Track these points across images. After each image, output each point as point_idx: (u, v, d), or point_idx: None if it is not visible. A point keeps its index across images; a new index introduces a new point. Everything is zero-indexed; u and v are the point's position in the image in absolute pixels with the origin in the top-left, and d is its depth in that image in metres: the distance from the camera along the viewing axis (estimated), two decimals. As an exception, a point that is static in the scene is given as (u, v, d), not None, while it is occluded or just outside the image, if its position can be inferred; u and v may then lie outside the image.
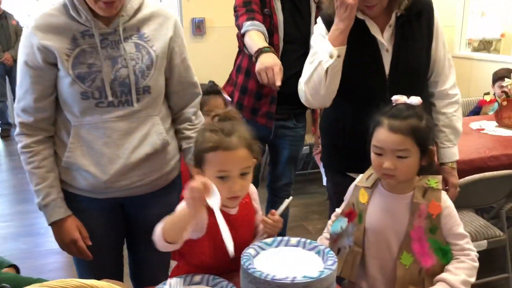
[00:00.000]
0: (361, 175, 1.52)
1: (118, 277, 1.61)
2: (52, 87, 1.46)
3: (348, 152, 1.76)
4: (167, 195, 1.59)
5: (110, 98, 1.44)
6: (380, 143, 1.35)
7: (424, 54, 1.72)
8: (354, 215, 1.47)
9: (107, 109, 1.45)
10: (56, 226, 1.49)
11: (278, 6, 2.21)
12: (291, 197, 1.49)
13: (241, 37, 2.20)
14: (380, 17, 1.68)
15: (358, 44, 1.63)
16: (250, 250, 1.21)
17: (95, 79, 1.43)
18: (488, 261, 2.75)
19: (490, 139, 2.75)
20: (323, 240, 1.56)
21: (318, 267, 1.14)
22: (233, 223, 1.28)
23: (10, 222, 3.59)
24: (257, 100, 2.29)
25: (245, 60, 2.35)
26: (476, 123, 3.10)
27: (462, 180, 2.07)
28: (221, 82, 4.51)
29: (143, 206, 1.55)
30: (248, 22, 2.17)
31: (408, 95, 1.43)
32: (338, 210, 1.57)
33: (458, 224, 1.38)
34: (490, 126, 3.03)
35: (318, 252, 1.22)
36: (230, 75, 2.48)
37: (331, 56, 1.60)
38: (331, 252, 1.20)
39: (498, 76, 3.51)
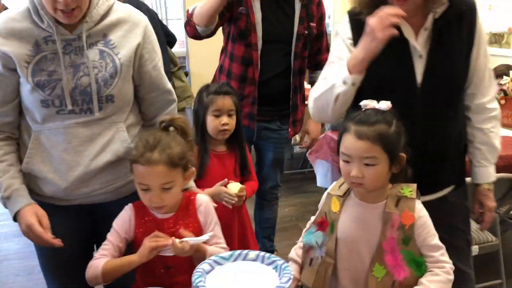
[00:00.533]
0: (334, 183, 1.46)
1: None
2: (14, 92, 1.43)
3: None
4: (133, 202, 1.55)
5: (70, 107, 1.40)
6: (347, 150, 1.29)
7: (463, 62, 1.53)
8: (326, 224, 1.41)
9: (69, 115, 1.41)
10: (19, 216, 1.43)
11: (256, 4, 2.16)
12: (212, 233, 1.41)
13: (190, 17, 2.15)
14: (415, 18, 1.49)
15: (386, 48, 1.43)
16: (204, 265, 1.17)
17: (55, 87, 1.39)
18: (482, 266, 2.69)
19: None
20: (297, 250, 1.51)
21: (272, 284, 1.09)
22: (165, 227, 1.37)
23: (4, 222, 3.60)
24: (239, 101, 2.24)
25: (226, 61, 2.30)
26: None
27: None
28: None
29: (108, 213, 1.51)
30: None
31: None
32: (313, 218, 1.51)
33: (432, 235, 1.32)
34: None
35: (275, 268, 1.17)
36: (214, 75, 2.44)
37: (344, 83, 1.45)
38: (289, 268, 1.15)
39: (497, 73, 3.39)
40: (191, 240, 1.29)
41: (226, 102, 1.89)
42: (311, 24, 2.28)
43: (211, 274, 1.16)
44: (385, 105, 1.31)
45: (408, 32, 1.50)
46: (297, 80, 2.33)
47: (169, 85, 1.61)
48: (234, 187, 1.87)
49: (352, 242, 1.36)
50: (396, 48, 1.47)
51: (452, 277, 1.30)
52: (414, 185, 1.34)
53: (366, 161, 1.26)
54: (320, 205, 1.47)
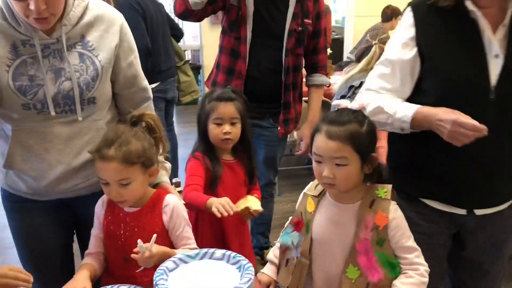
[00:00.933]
0: (311, 183, 1.43)
1: (69, 275, 1.59)
2: None
3: (432, 175, 1.46)
4: None
5: (53, 113, 1.39)
6: (318, 150, 1.27)
7: None
8: (302, 224, 1.39)
9: (50, 115, 1.41)
10: None
11: None
12: (154, 236, 1.32)
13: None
14: (492, 11, 1.33)
15: (456, 44, 1.31)
16: (168, 263, 1.17)
17: (38, 92, 1.38)
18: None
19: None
20: (275, 251, 1.49)
21: (232, 284, 1.08)
22: (128, 221, 1.40)
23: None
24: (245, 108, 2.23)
25: (217, 53, 2.29)
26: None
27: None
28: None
29: (89, 205, 1.52)
30: None
31: None
32: (291, 218, 1.49)
33: (407, 236, 1.29)
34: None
35: (239, 267, 1.15)
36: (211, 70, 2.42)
37: (402, 130, 1.39)
38: (251, 268, 1.13)
39: None
40: (139, 245, 1.24)
41: (228, 109, 1.75)
42: (305, 20, 2.19)
43: (175, 272, 1.16)
44: (357, 104, 1.28)
45: (484, 27, 1.33)
46: (290, 78, 2.25)
47: (145, 83, 1.60)
48: (255, 204, 1.73)
49: (326, 243, 1.33)
50: (467, 45, 1.34)
51: (426, 279, 1.27)
52: (389, 186, 1.31)
53: (337, 161, 1.24)
54: (297, 205, 1.45)
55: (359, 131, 1.25)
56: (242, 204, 1.68)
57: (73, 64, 1.40)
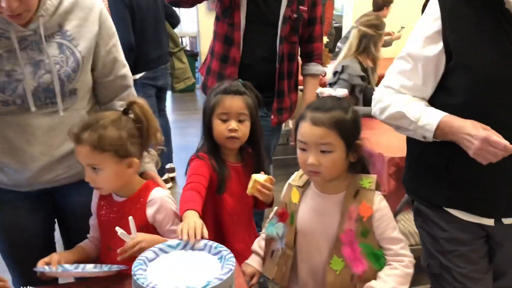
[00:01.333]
0: (295, 173, 1.42)
1: None
2: None
3: (454, 184, 1.35)
4: None
5: (33, 109, 1.36)
6: (303, 137, 1.25)
7: None
8: (286, 215, 1.38)
9: (30, 110, 1.37)
10: None
11: None
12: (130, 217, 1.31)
13: None
14: None
15: (489, 37, 1.20)
16: (148, 253, 1.15)
17: (17, 88, 1.33)
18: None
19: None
20: (260, 242, 1.49)
21: (212, 275, 1.06)
22: (115, 210, 1.39)
23: None
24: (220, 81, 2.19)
25: (212, 39, 2.25)
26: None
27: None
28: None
29: (70, 194, 1.50)
30: None
31: None
32: (275, 209, 1.48)
33: (392, 227, 1.28)
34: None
35: (220, 258, 1.14)
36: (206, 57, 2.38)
37: (424, 138, 1.30)
38: (232, 259, 1.12)
39: None
40: (119, 233, 1.24)
41: (236, 103, 1.54)
42: (301, 7, 2.14)
43: (154, 262, 1.14)
44: (341, 92, 1.27)
45: None
46: (284, 66, 2.20)
47: (125, 70, 1.55)
48: (260, 176, 1.50)
49: (310, 234, 1.32)
50: (502, 39, 1.21)
51: (411, 270, 1.26)
52: (374, 176, 1.30)
53: (322, 147, 1.22)
54: (281, 196, 1.44)
55: (344, 118, 1.23)
56: (250, 187, 1.47)
57: (52, 56, 1.34)
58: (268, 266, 1.42)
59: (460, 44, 1.25)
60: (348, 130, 1.24)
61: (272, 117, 2.28)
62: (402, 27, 4.77)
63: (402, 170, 2.14)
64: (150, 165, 1.53)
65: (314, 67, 2.34)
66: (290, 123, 3.34)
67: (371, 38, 2.86)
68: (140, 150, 1.38)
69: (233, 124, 1.54)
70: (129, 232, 1.24)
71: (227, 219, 1.59)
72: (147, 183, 1.42)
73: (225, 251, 1.15)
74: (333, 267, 1.28)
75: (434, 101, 1.34)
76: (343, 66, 2.85)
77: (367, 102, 2.84)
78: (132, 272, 1.07)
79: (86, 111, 1.48)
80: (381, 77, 3.16)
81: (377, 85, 3.07)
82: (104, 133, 1.28)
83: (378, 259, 1.27)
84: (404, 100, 1.34)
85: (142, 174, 1.51)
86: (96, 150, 1.27)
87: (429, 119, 1.26)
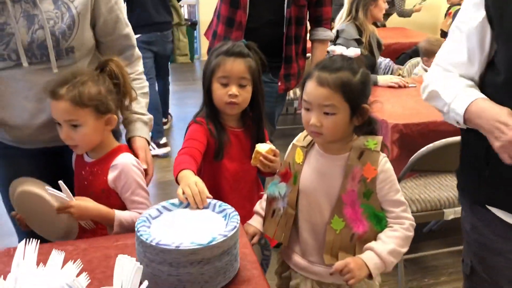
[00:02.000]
0: (300, 134, 1.39)
1: None
2: None
3: (494, 180, 1.20)
4: None
5: (26, 64, 1.32)
6: (308, 97, 1.22)
7: None
8: (290, 175, 1.36)
9: (28, 65, 1.34)
10: None
11: None
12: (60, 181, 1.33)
13: None
14: None
15: None
16: (151, 211, 1.14)
17: (9, 42, 1.29)
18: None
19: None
20: (262, 203, 1.48)
21: (217, 232, 1.05)
22: (85, 170, 1.38)
23: None
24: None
25: (218, 2, 2.20)
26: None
27: (444, 140, 1.93)
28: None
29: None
30: None
31: None
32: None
33: (395, 190, 1.26)
34: None
35: (225, 216, 1.12)
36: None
37: (457, 122, 1.20)
38: (237, 216, 1.10)
39: None
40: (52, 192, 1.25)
41: (237, 67, 1.47)
42: None
43: (158, 219, 1.12)
44: (353, 52, 1.22)
45: None
46: (292, 30, 2.14)
47: (127, 29, 1.51)
48: (263, 146, 1.44)
49: (313, 194, 1.31)
50: None
51: (411, 233, 1.25)
52: (380, 138, 1.28)
53: (325, 109, 1.19)
54: (285, 156, 1.42)
55: (351, 80, 1.19)
56: (253, 158, 1.41)
57: (46, 11, 1.31)
58: (269, 226, 1.41)
59: (501, 10, 1.10)
60: (354, 93, 1.19)
61: (279, 83, 2.22)
62: (424, 0, 4.69)
63: (405, 137, 2.15)
64: (141, 131, 1.49)
65: (323, 32, 2.29)
66: (291, 93, 3.29)
67: (360, 1, 2.82)
68: (117, 107, 1.36)
69: (233, 89, 1.47)
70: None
71: (226, 185, 1.56)
72: (118, 147, 1.40)
73: (229, 209, 1.14)
74: (333, 226, 1.27)
75: (484, 81, 1.20)
76: (337, 31, 2.81)
77: (367, 68, 2.80)
78: (136, 229, 1.05)
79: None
80: (386, 46, 3.13)
81: (381, 52, 3.04)
82: (83, 88, 1.26)
83: (379, 221, 1.25)
84: (445, 79, 1.21)
85: (131, 140, 1.48)
86: (75, 105, 1.25)
87: (461, 101, 1.13)
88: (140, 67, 1.59)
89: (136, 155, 1.45)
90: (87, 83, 1.28)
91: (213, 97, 1.51)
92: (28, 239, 0.94)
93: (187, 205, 1.17)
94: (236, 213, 1.12)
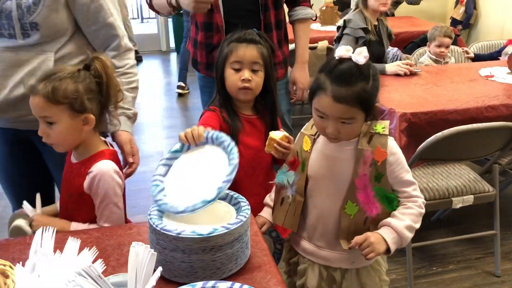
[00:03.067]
0: (307, 123, 1.40)
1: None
2: None
3: None
4: None
5: None
6: (323, 110, 1.21)
7: None
8: (297, 163, 1.38)
9: None
10: None
11: None
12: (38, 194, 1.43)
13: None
14: None
15: None
16: (159, 169, 1.19)
17: None
18: (476, 217, 2.65)
19: (495, 87, 2.52)
20: (271, 194, 1.50)
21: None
22: (71, 169, 1.37)
23: None
24: (209, 53, 2.01)
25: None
26: (486, 69, 2.84)
27: (453, 129, 1.93)
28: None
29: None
30: None
31: None
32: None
33: (405, 171, 1.29)
34: (501, 73, 2.76)
35: (223, 148, 1.20)
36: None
37: None
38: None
39: None
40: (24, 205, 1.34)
41: (250, 52, 1.49)
42: None
43: (169, 176, 1.18)
44: (362, 57, 1.18)
45: None
46: (270, 16, 1.98)
47: (112, 19, 1.52)
48: (276, 133, 1.44)
49: (322, 180, 1.33)
50: None
51: (423, 210, 1.29)
52: (387, 122, 1.30)
53: (343, 120, 1.21)
54: (293, 145, 1.43)
55: (366, 89, 1.18)
56: (266, 145, 1.42)
57: None
58: (277, 214, 1.43)
59: None
60: (370, 99, 1.20)
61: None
62: None
63: (414, 126, 2.15)
64: (124, 126, 1.51)
65: (303, 11, 2.10)
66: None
67: None
68: (99, 107, 1.32)
69: (246, 73, 1.49)
70: None
71: (241, 172, 1.55)
72: (102, 152, 1.35)
73: (226, 141, 1.21)
74: (347, 212, 1.29)
75: None
76: (344, 20, 2.80)
77: (375, 58, 2.79)
78: (148, 215, 1.08)
79: (59, 56, 1.48)
80: (394, 35, 3.11)
81: (391, 41, 3.02)
82: (59, 85, 1.24)
83: (390, 202, 1.29)
84: None
85: (115, 134, 1.50)
86: (49, 101, 1.23)
87: None
88: (130, 60, 1.58)
89: (121, 149, 1.49)
90: (65, 80, 1.25)
91: (226, 84, 1.53)
92: (43, 228, 0.96)
93: (189, 147, 1.22)
94: (233, 145, 1.17)
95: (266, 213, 1.48)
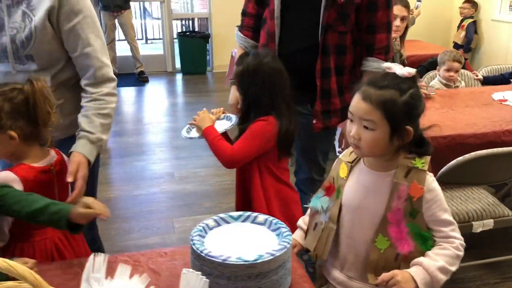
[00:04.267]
0: (346, 150, 1.41)
1: None
2: None
3: None
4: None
5: None
6: (351, 108, 1.25)
7: None
8: (333, 189, 1.38)
9: None
10: None
11: None
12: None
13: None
14: None
15: None
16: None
17: None
18: (497, 241, 2.64)
19: (510, 112, 2.55)
20: (305, 218, 1.49)
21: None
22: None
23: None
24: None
25: None
26: (499, 94, 2.88)
27: (474, 154, 1.94)
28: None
29: None
30: (237, 31, 2.09)
31: None
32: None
33: (443, 209, 1.25)
34: (514, 97, 2.80)
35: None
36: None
37: None
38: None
39: None
40: None
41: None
42: None
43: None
44: (404, 71, 1.21)
45: None
46: (329, 60, 1.86)
47: (89, 49, 1.56)
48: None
49: (356, 210, 1.32)
50: None
51: (461, 253, 1.23)
52: (428, 157, 1.27)
53: (365, 123, 1.21)
54: (330, 170, 1.43)
55: (395, 100, 1.19)
56: None
57: (14, 21, 1.49)
58: (310, 239, 1.42)
59: None
60: (397, 113, 1.19)
61: (314, 121, 1.94)
62: (418, 1, 4.57)
63: (442, 148, 2.14)
64: (80, 148, 1.51)
65: (374, 63, 1.89)
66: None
67: None
68: (31, 124, 1.38)
69: None
70: None
71: None
72: (20, 164, 1.40)
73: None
74: (377, 245, 1.26)
75: None
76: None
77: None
78: (190, 237, 1.08)
79: (57, 82, 1.57)
80: (408, 58, 3.14)
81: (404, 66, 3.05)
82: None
83: (425, 241, 1.24)
84: None
85: (70, 154, 1.50)
86: None
87: None
88: (106, 88, 1.60)
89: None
90: None
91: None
92: (94, 253, 0.96)
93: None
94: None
95: (298, 235, 1.47)
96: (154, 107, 5.49)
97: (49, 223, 1.25)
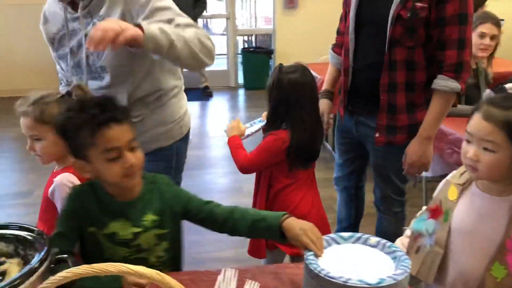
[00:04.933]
0: (455, 171, 1.35)
1: None
2: None
3: None
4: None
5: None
6: (470, 128, 1.20)
7: None
8: (440, 212, 1.32)
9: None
10: None
11: None
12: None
13: None
14: None
15: None
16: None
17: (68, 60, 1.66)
18: None
19: None
20: (403, 239, 1.44)
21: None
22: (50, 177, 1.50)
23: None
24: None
25: None
26: None
27: None
28: (312, 57, 4.28)
29: None
30: (330, 49, 2.19)
31: None
32: (424, 208, 1.42)
33: None
34: None
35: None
36: None
37: None
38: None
39: None
40: None
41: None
42: (417, 4, 1.73)
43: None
44: None
45: None
46: (396, 76, 1.83)
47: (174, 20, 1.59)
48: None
49: (468, 235, 1.26)
50: None
51: None
52: None
53: (485, 144, 1.16)
54: (436, 192, 1.38)
55: None
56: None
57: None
58: (412, 262, 1.36)
59: None
60: None
61: (376, 134, 1.92)
62: (501, 20, 4.45)
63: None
64: (146, 25, 1.53)
65: (442, 82, 1.79)
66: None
67: None
68: None
69: None
70: None
71: None
72: (70, 165, 1.43)
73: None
74: (494, 274, 1.20)
75: None
76: None
77: (469, 99, 2.71)
78: (305, 257, 1.06)
79: (137, 98, 1.66)
80: (495, 77, 3.01)
81: (489, 85, 2.93)
82: (46, 108, 1.42)
83: None
84: None
85: None
86: (37, 122, 1.42)
87: None
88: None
89: None
90: (51, 104, 1.44)
91: None
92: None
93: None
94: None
95: None
96: (218, 121, 5.57)
97: None
